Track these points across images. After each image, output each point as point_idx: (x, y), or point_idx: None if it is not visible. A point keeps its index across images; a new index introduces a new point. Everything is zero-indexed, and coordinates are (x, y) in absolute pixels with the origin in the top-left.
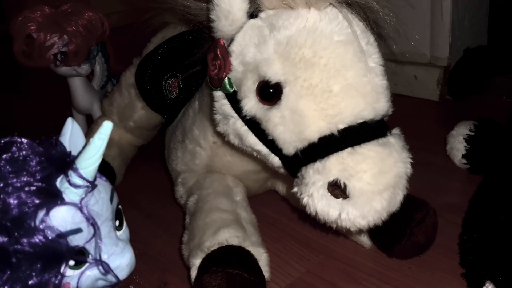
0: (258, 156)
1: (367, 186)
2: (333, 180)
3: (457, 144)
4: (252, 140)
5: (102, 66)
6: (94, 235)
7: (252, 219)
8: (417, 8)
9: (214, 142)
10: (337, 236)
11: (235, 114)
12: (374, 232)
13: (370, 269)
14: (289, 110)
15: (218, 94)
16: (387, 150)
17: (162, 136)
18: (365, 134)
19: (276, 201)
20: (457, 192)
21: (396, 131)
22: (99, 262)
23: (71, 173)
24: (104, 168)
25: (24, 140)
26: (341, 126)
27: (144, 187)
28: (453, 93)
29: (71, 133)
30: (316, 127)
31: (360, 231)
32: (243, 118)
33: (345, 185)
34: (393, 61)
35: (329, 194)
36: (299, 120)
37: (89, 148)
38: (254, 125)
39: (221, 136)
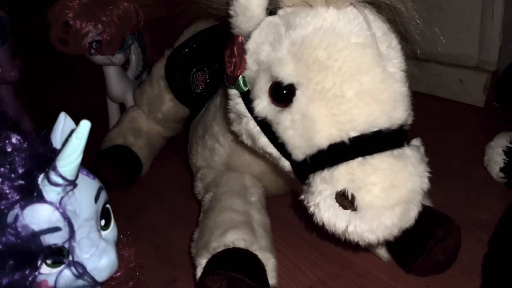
0: (270, 159)
1: (376, 200)
2: (341, 191)
3: (495, 156)
4: (264, 142)
5: (138, 56)
6: (70, 235)
7: (265, 222)
8: (467, 9)
9: (233, 139)
10: (354, 246)
11: (248, 114)
12: (392, 245)
13: (384, 284)
14: (299, 114)
15: (233, 92)
16: (401, 163)
17: (187, 129)
18: (378, 144)
19: (296, 204)
20: (491, 208)
21: (416, 142)
22: (72, 263)
23: (50, 171)
24: (131, 158)
25: (11, 135)
26: (353, 134)
27: (170, 179)
28: (500, 100)
29: (62, 129)
30: (326, 133)
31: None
32: (255, 118)
33: (353, 197)
34: (438, 63)
35: (337, 204)
36: (309, 125)
37: (67, 147)
38: (265, 126)
39: None
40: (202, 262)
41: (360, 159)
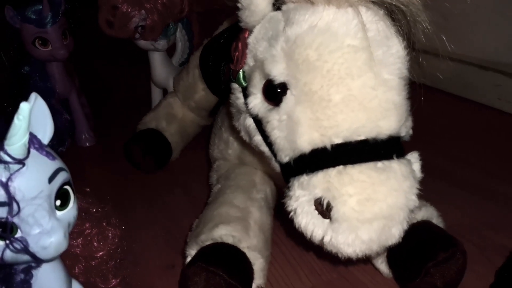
0: (265, 158)
1: (351, 212)
2: (318, 199)
3: None
4: (258, 140)
5: (184, 44)
6: (14, 211)
7: (264, 221)
8: None
9: None
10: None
11: (246, 110)
12: (393, 261)
13: None
14: (286, 114)
15: (235, 86)
16: (383, 176)
17: (213, 119)
18: (362, 153)
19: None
20: None
21: (410, 156)
22: (10, 239)
23: None
24: (160, 142)
25: None
26: (336, 141)
27: (198, 168)
28: None
29: (32, 108)
30: (309, 137)
31: (376, 255)
32: (250, 115)
33: (329, 206)
34: (499, 72)
35: (316, 212)
36: (293, 128)
37: (12, 127)
38: (258, 124)
39: None
40: (191, 252)
41: (340, 167)
